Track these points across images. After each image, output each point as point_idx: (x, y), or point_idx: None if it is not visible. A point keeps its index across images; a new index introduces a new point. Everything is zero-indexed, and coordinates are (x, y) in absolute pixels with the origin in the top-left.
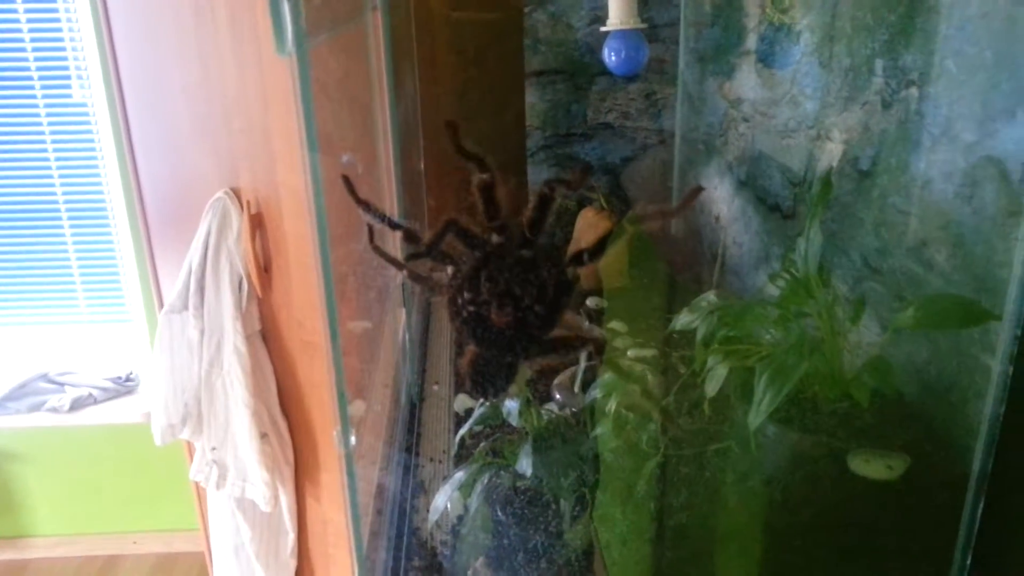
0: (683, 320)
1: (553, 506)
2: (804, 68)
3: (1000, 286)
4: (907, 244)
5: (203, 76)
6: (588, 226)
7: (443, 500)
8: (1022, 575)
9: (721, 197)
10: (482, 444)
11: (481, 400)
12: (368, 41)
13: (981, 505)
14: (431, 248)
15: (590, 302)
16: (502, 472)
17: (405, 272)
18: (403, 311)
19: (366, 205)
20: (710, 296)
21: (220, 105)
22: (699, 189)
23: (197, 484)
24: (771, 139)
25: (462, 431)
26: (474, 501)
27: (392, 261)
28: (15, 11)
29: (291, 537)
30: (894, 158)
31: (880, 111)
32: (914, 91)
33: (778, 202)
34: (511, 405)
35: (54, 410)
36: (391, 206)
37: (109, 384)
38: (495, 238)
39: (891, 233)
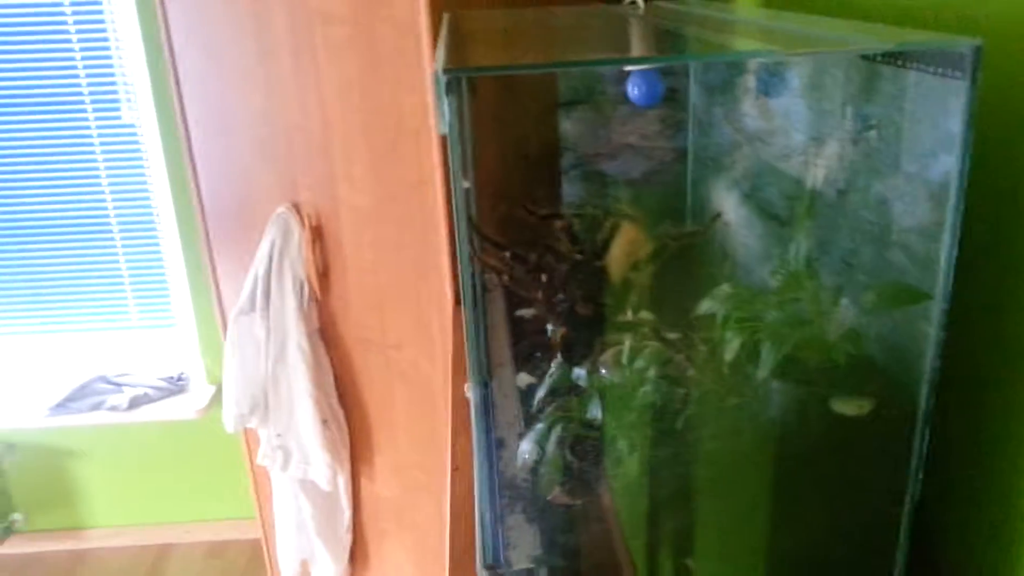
0: (705, 306)
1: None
2: (793, 106)
3: (934, 277)
4: (873, 246)
5: (266, 101)
6: (624, 238)
7: (527, 444)
8: (957, 487)
9: (730, 207)
10: (554, 403)
11: (545, 374)
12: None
13: (927, 434)
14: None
15: None
16: (570, 424)
17: (506, 277)
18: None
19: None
20: (725, 287)
21: (282, 128)
22: (717, 216)
23: (254, 473)
24: (770, 161)
25: (540, 393)
26: (550, 447)
27: (495, 269)
28: (69, 40)
29: (347, 514)
30: (861, 182)
31: (850, 146)
32: (873, 133)
33: (776, 212)
34: (579, 371)
35: (114, 408)
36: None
37: (163, 384)
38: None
39: (862, 238)
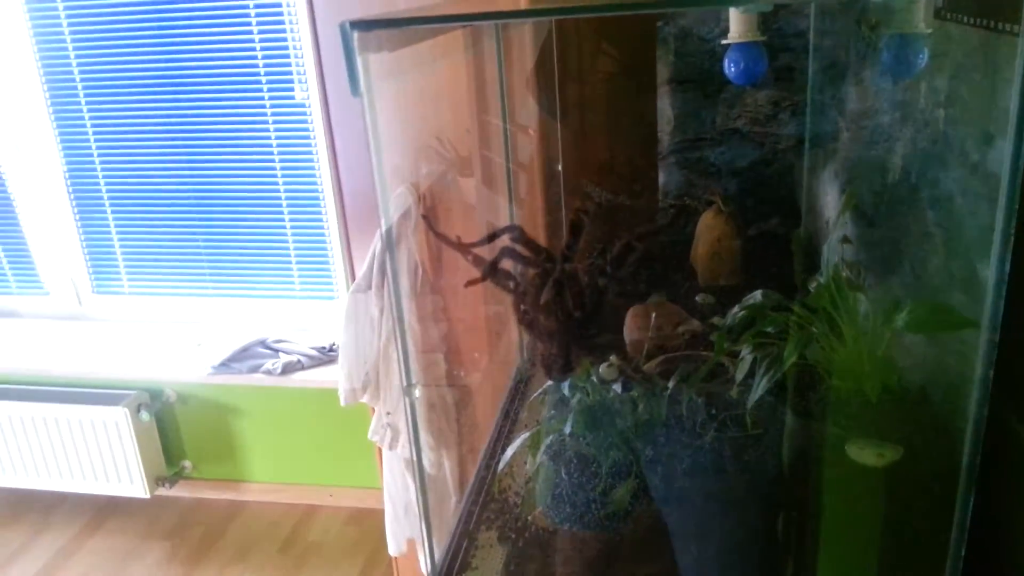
0: (733, 314)
1: (595, 466)
2: (882, 84)
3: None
4: (937, 253)
5: None
6: (706, 227)
7: (510, 452)
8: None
9: (831, 203)
10: (546, 412)
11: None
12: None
13: (971, 500)
14: (491, 271)
15: (699, 298)
16: (561, 437)
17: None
18: None
19: (443, 236)
20: (757, 295)
21: None
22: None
23: (379, 449)
24: (860, 149)
25: (531, 399)
26: (539, 457)
27: (479, 266)
28: (248, 22)
29: (454, 500)
30: (929, 174)
31: (922, 128)
32: (941, 112)
33: (864, 209)
34: (564, 383)
35: (268, 372)
36: (505, 201)
37: (315, 352)
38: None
39: (928, 243)
